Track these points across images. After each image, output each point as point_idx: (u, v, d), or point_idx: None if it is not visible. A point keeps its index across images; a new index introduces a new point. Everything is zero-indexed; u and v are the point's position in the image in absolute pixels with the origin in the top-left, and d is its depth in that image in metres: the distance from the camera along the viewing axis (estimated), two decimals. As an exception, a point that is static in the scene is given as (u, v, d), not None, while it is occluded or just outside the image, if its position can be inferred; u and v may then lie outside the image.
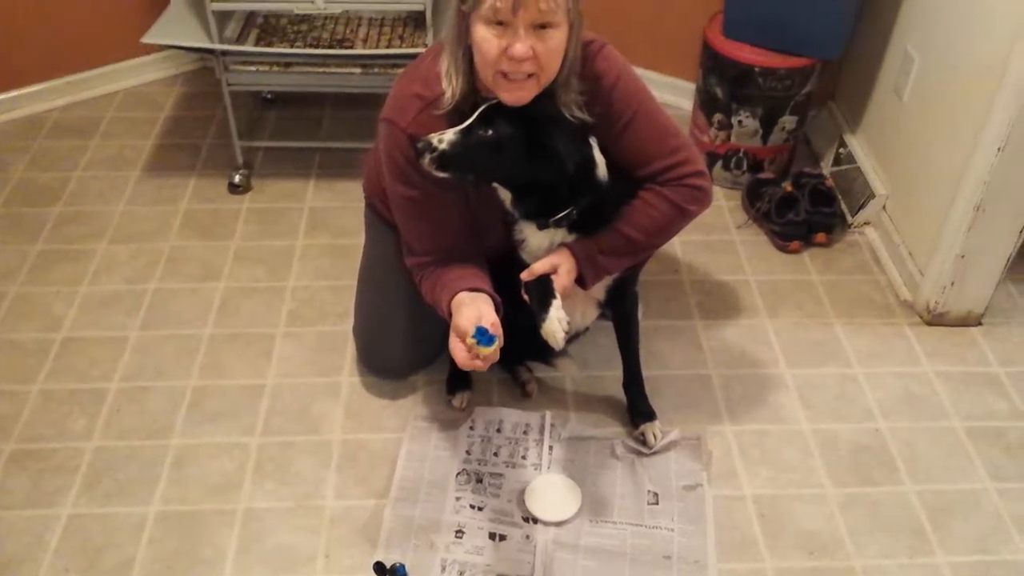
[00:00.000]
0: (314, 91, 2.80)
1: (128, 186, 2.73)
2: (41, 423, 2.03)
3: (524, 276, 1.73)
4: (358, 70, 2.54)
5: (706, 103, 2.69)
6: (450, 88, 1.63)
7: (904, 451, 2.01)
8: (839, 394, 2.14)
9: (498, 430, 2.03)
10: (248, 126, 2.94)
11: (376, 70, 2.53)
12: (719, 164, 2.74)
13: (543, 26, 1.52)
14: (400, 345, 2.08)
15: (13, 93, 2.98)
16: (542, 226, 1.74)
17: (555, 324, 1.66)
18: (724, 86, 2.61)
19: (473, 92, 1.65)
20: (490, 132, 1.61)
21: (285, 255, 2.49)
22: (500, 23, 1.51)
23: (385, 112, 1.72)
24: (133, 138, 2.92)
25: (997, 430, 2.06)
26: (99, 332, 2.25)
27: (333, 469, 1.95)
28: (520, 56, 1.51)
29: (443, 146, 1.60)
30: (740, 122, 2.64)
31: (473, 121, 1.62)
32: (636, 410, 2.03)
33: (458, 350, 1.61)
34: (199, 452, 1.97)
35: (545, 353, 2.09)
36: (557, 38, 1.54)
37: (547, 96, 1.63)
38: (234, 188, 2.70)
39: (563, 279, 1.72)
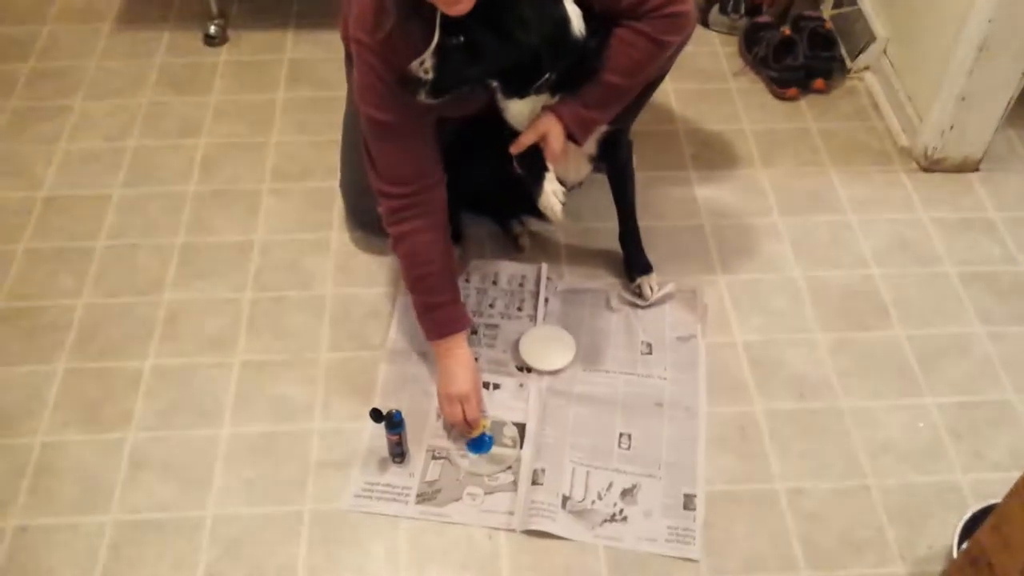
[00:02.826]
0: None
1: (100, 40, 2.61)
2: (29, 282, 2.01)
3: (513, 150, 1.68)
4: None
5: (703, -58, 2.57)
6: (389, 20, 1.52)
7: (895, 296, 2.01)
8: (832, 241, 2.12)
9: (494, 282, 2.02)
10: (222, -26, 2.79)
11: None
12: (716, 8, 2.63)
13: None
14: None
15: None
16: (523, 95, 1.66)
17: (551, 198, 1.63)
18: (722, -77, 2.48)
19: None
20: (461, 38, 1.51)
21: (266, 110, 2.41)
22: None
23: (353, 30, 1.60)
24: (102, -12, 2.78)
25: (990, 275, 2.06)
26: (82, 191, 2.20)
27: (327, 323, 1.94)
28: None
29: (430, 75, 1.51)
30: (738, -38, 2.52)
31: (440, 36, 1.51)
32: (633, 263, 2.02)
33: (453, 414, 1.72)
34: (191, 308, 1.97)
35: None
36: None
37: None
38: (210, 40, 2.59)
39: (553, 145, 1.65)
